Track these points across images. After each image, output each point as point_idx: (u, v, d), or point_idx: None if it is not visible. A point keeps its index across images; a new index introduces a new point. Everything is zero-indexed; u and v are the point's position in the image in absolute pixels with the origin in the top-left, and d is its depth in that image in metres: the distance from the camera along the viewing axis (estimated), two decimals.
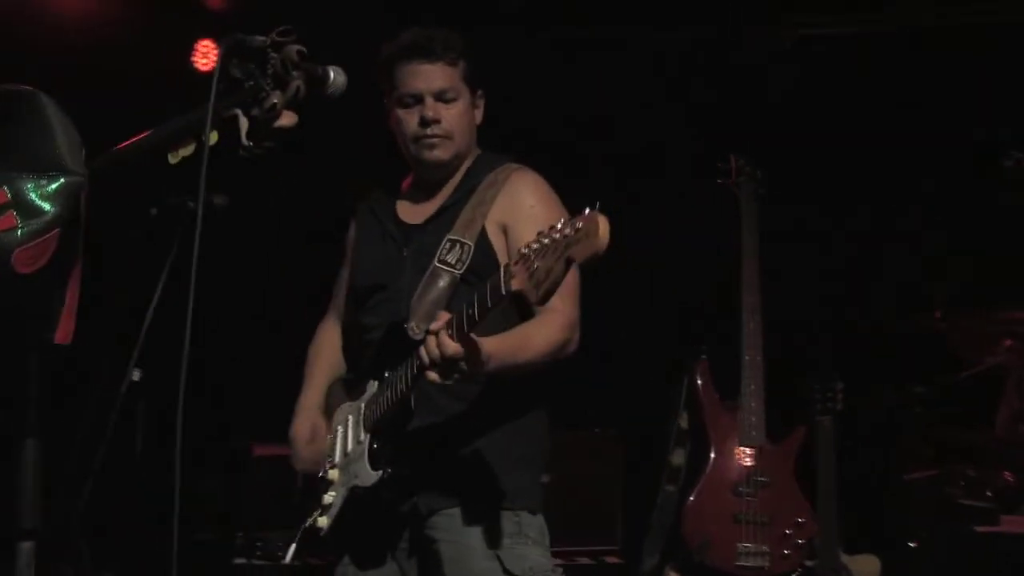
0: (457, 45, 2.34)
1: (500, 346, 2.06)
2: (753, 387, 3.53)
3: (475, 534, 2.21)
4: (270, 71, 1.84)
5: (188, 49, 4.45)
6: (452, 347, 1.93)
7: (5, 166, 1.39)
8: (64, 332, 1.46)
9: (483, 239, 2.26)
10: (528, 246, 1.77)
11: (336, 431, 2.32)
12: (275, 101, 1.82)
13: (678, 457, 3.61)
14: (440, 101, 2.33)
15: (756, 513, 3.46)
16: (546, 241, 1.73)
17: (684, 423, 3.61)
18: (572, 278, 2.10)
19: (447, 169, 2.39)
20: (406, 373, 2.08)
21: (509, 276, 1.79)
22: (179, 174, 1.79)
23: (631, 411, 4.73)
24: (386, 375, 2.18)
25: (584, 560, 4.74)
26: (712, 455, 3.51)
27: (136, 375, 3.38)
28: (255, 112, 1.82)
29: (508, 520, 2.24)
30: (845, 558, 3.73)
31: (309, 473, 2.35)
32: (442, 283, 2.20)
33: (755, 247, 3.65)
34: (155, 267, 3.05)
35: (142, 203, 3.24)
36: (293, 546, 2.27)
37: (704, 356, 3.61)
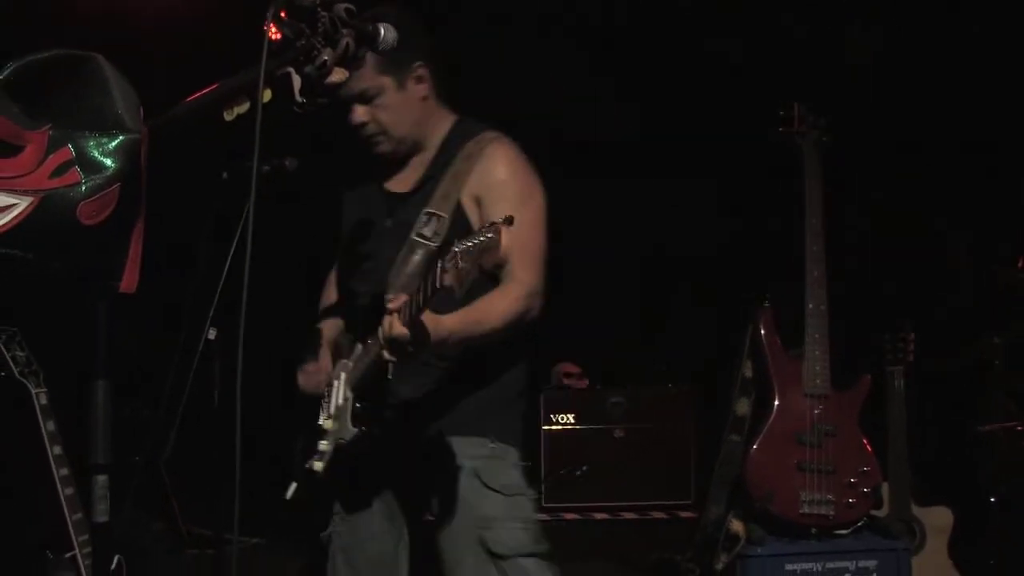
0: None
1: (461, 321, 2.20)
2: (817, 336, 3.51)
3: (452, 459, 2.39)
4: (320, 29, 1.89)
5: (261, 17, 4.55)
6: (399, 330, 2.05)
7: (69, 125, 1.47)
8: (129, 281, 1.55)
9: (459, 212, 2.35)
10: (461, 243, 1.88)
11: (332, 383, 2.44)
12: (326, 58, 1.88)
13: (742, 406, 3.61)
14: (362, 102, 2.40)
15: (820, 462, 3.46)
16: (470, 244, 1.86)
17: (748, 372, 3.61)
18: (533, 245, 2.34)
19: (407, 150, 2.47)
20: (377, 343, 2.18)
21: (443, 272, 1.90)
22: (250, 139, 1.87)
23: (700, 365, 4.75)
24: (369, 341, 2.29)
25: (658, 515, 4.80)
26: (776, 404, 3.50)
27: (212, 334, 3.52)
28: (307, 69, 1.89)
29: (483, 445, 2.41)
30: (917, 510, 3.72)
31: (306, 390, 2.51)
32: (417, 256, 2.29)
33: (819, 196, 3.61)
34: (229, 228, 3.17)
35: (214, 167, 3.36)
36: (293, 485, 2.41)
37: (768, 304, 3.60)
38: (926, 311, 4.22)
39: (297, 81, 1.86)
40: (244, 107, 1.78)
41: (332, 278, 2.75)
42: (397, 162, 2.52)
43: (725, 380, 3.75)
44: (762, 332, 3.56)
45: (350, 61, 1.93)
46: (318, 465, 2.36)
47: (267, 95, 1.79)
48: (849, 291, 3.86)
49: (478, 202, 2.37)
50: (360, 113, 2.41)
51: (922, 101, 4.29)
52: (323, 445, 2.36)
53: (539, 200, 2.43)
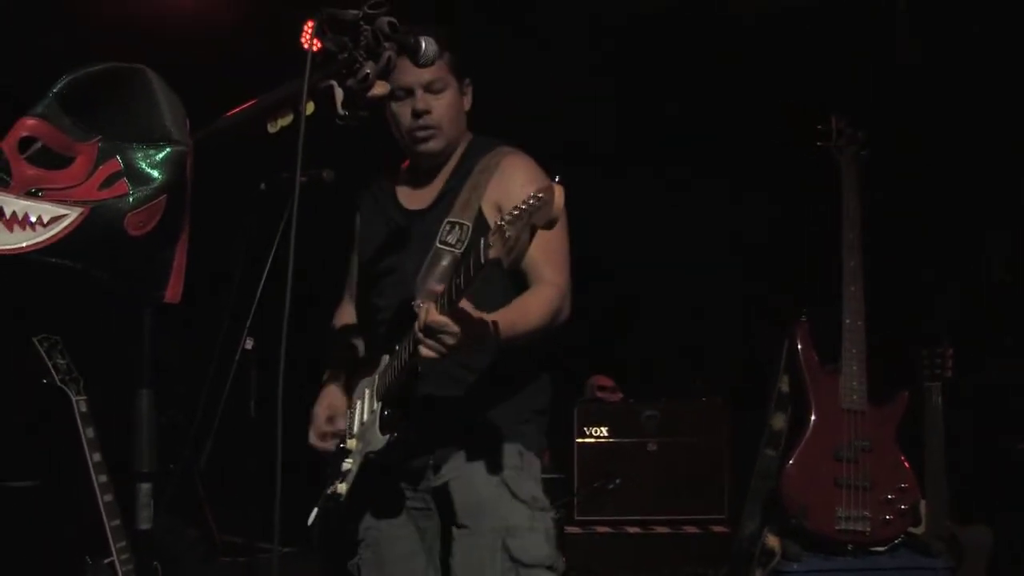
0: (442, 38, 2.37)
1: (501, 319, 2.17)
2: (855, 351, 3.48)
3: (480, 466, 2.38)
4: (363, 43, 1.91)
5: (298, 30, 4.60)
6: (438, 319, 2.02)
7: (118, 137, 1.49)
8: (173, 291, 1.57)
9: (480, 219, 2.37)
10: (502, 218, 1.88)
11: (355, 405, 2.46)
12: (368, 71, 1.90)
13: (779, 421, 3.59)
14: (429, 92, 2.44)
15: (857, 478, 3.42)
16: (516, 212, 1.85)
17: (785, 387, 3.59)
18: (561, 249, 2.38)
19: (441, 157, 2.51)
20: (409, 343, 2.18)
21: (487, 246, 1.89)
22: (290, 151, 1.89)
23: (736, 379, 4.73)
24: (396, 348, 2.31)
25: (692, 529, 4.77)
26: (813, 419, 3.48)
27: (249, 343, 3.56)
28: (349, 83, 1.90)
29: (511, 453, 2.40)
30: (955, 528, 3.67)
31: (320, 451, 2.52)
32: (444, 262, 2.31)
33: (857, 210, 3.59)
34: (267, 239, 3.20)
35: (253, 178, 3.40)
36: (315, 510, 2.41)
37: (805, 319, 3.58)
38: (966, 325, 4.17)
39: (340, 94, 1.88)
40: (288, 119, 1.80)
41: (346, 301, 2.77)
42: (410, 180, 2.58)
43: (760, 394, 3.73)
44: (799, 346, 3.54)
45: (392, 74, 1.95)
46: (341, 487, 2.37)
47: (310, 108, 1.81)
48: (888, 305, 3.82)
49: (499, 209, 2.38)
50: (424, 100, 2.44)
51: (963, 108, 4.25)
52: (347, 465, 2.38)
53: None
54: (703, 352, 5.00)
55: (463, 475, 2.40)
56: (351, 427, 2.44)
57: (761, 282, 4.61)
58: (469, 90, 2.54)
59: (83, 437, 3.21)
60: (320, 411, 2.55)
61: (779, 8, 4.42)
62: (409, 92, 2.44)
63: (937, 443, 3.68)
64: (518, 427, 2.44)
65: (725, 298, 4.87)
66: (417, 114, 2.44)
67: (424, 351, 2.07)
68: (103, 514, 3.14)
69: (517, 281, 2.38)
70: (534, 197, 1.83)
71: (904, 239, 4.38)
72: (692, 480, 4.84)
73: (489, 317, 2.13)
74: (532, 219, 1.82)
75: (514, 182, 2.41)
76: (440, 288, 2.07)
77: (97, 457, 3.19)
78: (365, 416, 2.41)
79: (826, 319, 3.59)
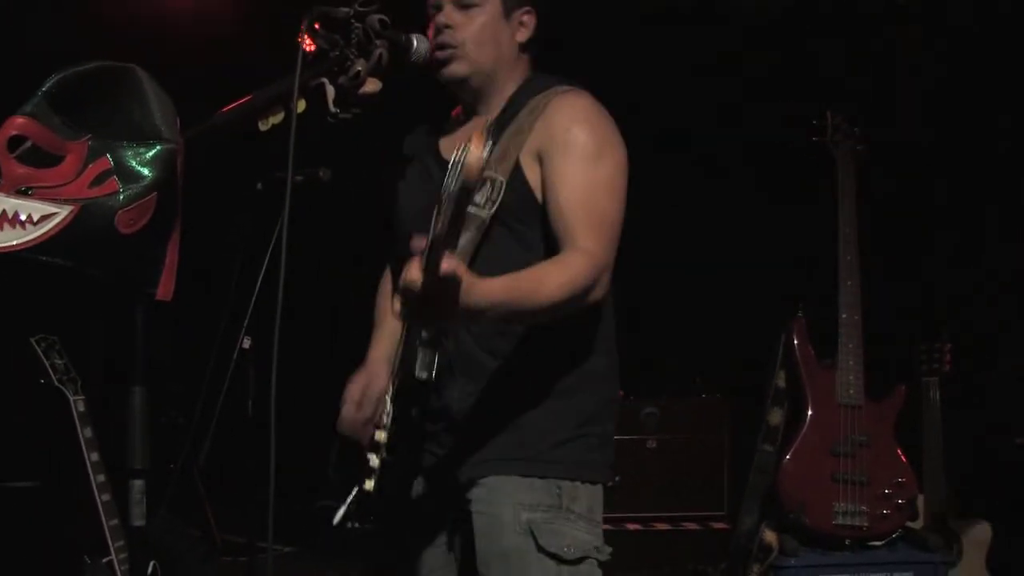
0: None
1: (506, 288, 1.76)
2: (851, 346, 3.48)
3: (507, 506, 1.97)
4: (354, 40, 1.92)
5: (290, 20, 4.61)
6: (412, 275, 1.58)
7: (108, 136, 1.50)
8: (165, 289, 1.58)
9: (517, 173, 1.97)
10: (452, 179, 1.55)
11: (390, 389, 2.05)
12: (359, 69, 1.91)
13: (775, 416, 3.59)
14: (456, 7, 2.10)
15: (854, 472, 3.42)
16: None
17: (781, 382, 3.59)
18: (607, 207, 1.95)
19: (476, 91, 2.14)
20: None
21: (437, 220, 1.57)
22: (285, 149, 1.89)
23: (734, 375, 4.73)
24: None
25: (691, 525, 4.78)
26: (809, 414, 3.48)
27: (247, 343, 3.56)
28: (341, 80, 1.91)
29: (545, 491, 1.98)
30: (954, 522, 3.68)
31: (348, 437, 2.12)
32: (471, 226, 1.92)
33: (853, 205, 3.60)
34: (263, 239, 3.21)
35: (249, 177, 3.41)
36: (342, 508, 2.06)
37: (801, 314, 3.58)
38: (965, 319, 4.17)
39: (331, 91, 1.89)
40: (279, 117, 1.81)
41: (388, 273, 2.35)
42: (455, 126, 2.21)
43: (758, 390, 3.73)
44: (795, 342, 3.54)
45: (383, 71, 1.96)
46: (369, 484, 2.00)
47: (301, 105, 1.81)
48: (884, 299, 3.83)
49: (539, 159, 2.00)
50: (450, 15, 2.09)
51: (959, 104, 4.25)
52: (374, 460, 2.01)
53: (616, 158, 2.02)
54: (701, 349, 5.00)
55: (486, 511, 1.99)
56: (382, 416, 2.04)
57: (758, 278, 4.61)
58: (528, 19, 2.14)
59: (81, 437, 3.21)
60: (351, 392, 2.13)
61: (779, 7, 4.43)
62: (438, 7, 2.11)
63: (935, 438, 3.69)
64: (554, 450, 2.00)
65: (722, 294, 4.87)
66: (438, 29, 2.09)
67: (399, 310, 1.64)
68: (101, 513, 3.15)
69: (552, 246, 1.96)
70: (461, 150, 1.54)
71: (901, 233, 4.39)
72: (691, 477, 4.85)
73: (491, 283, 1.72)
74: (464, 180, 1.48)
75: (557, 125, 1.99)
76: (422, 242, 1.65)
77: (95, 456, 3.20)
78: (391, 407, 2.03)
79: (823, 314, 3.60)
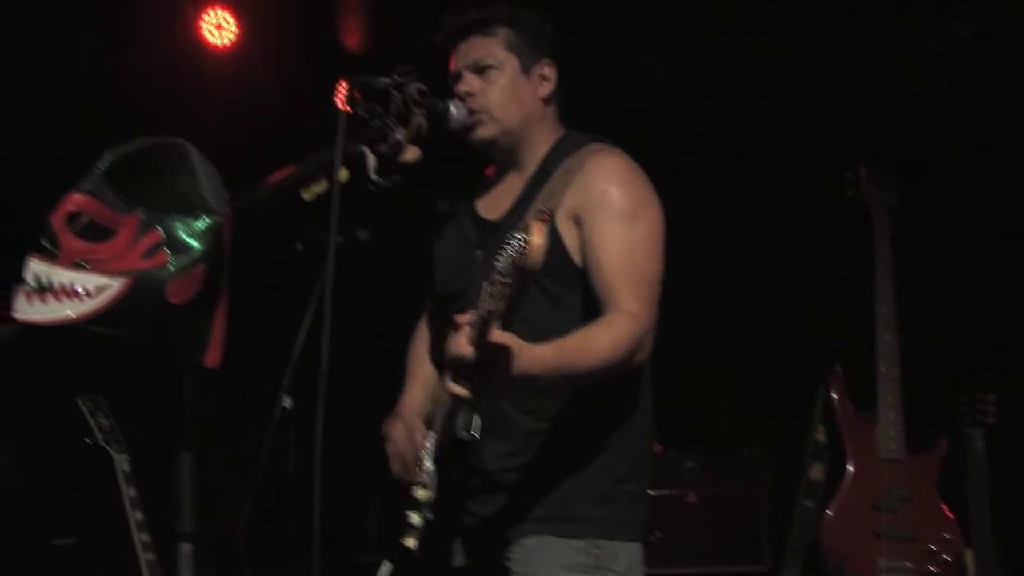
0: (496, 14, 2.16)
1: (556, 354, 1.79)
2: (890, 399, 3.46)
3: (546, 567, 1.97)
4: (393, 109, 1.98)
5: (331, 90, 4.72)
6: (462, 349, 1.64)
7: (158, 209, 1.56)
8: (213, 356, 1.62)
9: (553, 235, 1.95)
10: (497, 259, 1.58)
11: (427, 445, 2.05)
12: (399, 137, 1.96)
13: (816, 471, 3.57)
14: (476, 73, 2.14)
15: (897, 528, 3.39)
16: (502, 256, 1.56)
17: (821, 436, 3.57)
18: (647, 268, 1.98)
19: (506, 150, 2.17)
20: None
21: (489, 297, 1.59)
22: (325, 210, 1.94)
23: (775, 429, 4.70)
24: None
25: None
26: (850, 469, 3.45)
27: (287, 402, 3.60)
28: (381, 148, 1.96)
29: (584, 551, 1.98)
30: None
31: (399, 481, 2.13)
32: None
33: (888, 257, 3.59)
34: (303, 299, 3.26)
35: (290, 239, 3.47)
36: (387, 565, 2.03)
37: (838, 368, 3.57)
38: (1010, 371, 4.12)
39: (372, 160, 1.94)
40: (322, 187, 1.86)
41: (422, 326, 2.38)
42: (490, 185, 2.24)
43: (797, 443, 3.71)
44: (833, 396, 3.53)
45: (423, 139, 2.01)
46: (410, 542, 1.97)
47: (344, 174, 1.86)
48: (925, 351, 3.80)
49: (577, 220, 2.02)
50: (469, 82, 2.13)
51: (992, 148, 4.24)
52: (414, 518, 1.98)
53: (653, 218, 2.05)
54: (739, 402, 4.98)
55: (527, 571, 1.99)
56: (422, 474, 2.00)
57: (794, 332, 4.59)
58: (548, 71, 2.17)
59: (125, 496, 3.26)
60: (396, 433, 2.13)
61: (803, 56, 4.46)
62: (459, 76, 2.15)
63: (981, 491, 3.62)
64: (592, 509, 2.00)
65: (759, 348, 4.86)
66: (461, 98, 2.12)
67: (451, 387, 1.70)
68: (145, 573, 3.18)
69: (590, 303, 1.98)
70: (513, 236, 1.53)
71: (938, 284, 4.37)
72: (732, 531, 4.80)
73: (541, 350, 1.74)
74: (520, 266, 1.50)
75: (593, 186, 2.02)
76: (471, 315, 1.68)
77: (139, 516, 3.24)
78: (430, 463, 2.01)
79: (862, 367, 3.58)
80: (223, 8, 4.30)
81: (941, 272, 4.32)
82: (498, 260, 1.56)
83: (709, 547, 4.77)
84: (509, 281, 1.52)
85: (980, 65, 4.22)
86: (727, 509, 4.79)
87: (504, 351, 1.64)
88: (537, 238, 1.47)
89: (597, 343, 1.86)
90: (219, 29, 4.29)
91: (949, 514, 3.48)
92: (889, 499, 3.41)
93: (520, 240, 1.50)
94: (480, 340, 1.61)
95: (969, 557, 3.56)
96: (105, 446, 3.31)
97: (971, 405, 3.69)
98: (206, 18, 4.27)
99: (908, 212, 3.76)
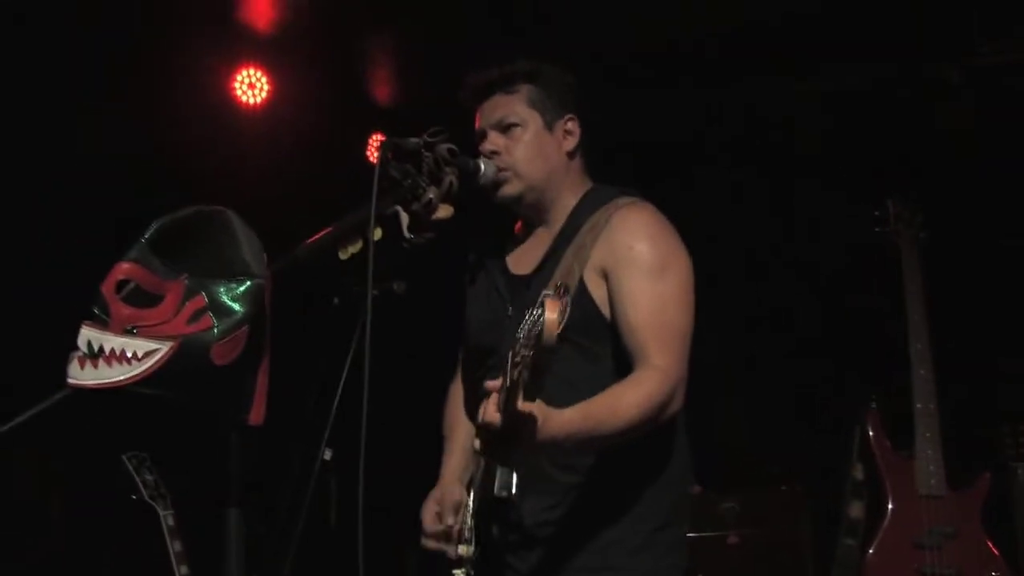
0: (517, 71, 2.19)
1: (583, 416, 1.80)
2: (928, 435, 3.45)
3: None
4: (425, 169, 2.04)
5: (363, 144, 4.80)
6: (490, 417, 1.67)
7: (202, 274, 1.61)
8: (257, 414, 1.67)
9: (582, 290, 2.01)
10: (520, 331, 1.58)
11: (469, 504, 2.09)
12: (431, 196, 2.02)
13: (856, 510, 3.54)
14: (499, 132, 2.17)
15: (942, 566, 3.35)
16: (525, 329, 1.56)
17: (859, 474, 3.55)
18: (677, 322, 1.98)
19: (532, 206, 2.20)
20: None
21: (512, 367, 1.59)
22: (360, 265, 1.98)
23: (813, 467, 4.68)
24: None
25: None
26: (890, 507, 3.44)
27: (328, 454, 3.64)
28: (414, 207, 2.02)
29: None
30: None
31: (434, 550, 2.16)
32: None
33: (920, 292, 3.60)
34: (341, 352, 3.31)
35: (327, 293, 3.53)
36: None
37: (874, 405, 3.56)
38: None
39: (405, 218, 2.00)
40: (357, 246, 1.91)
41: (457, 381, 2.42)
42: (520, 241, 2.27)
43: (837, 481, 3.69)
44: (871, 434, 3.52)
45: (454, 197, 2.06)
46: None
47: (378, 233, 1.92)
48: (961, 383, 3.79)
49: (605, 275, 2.04)
50: (494, 141, 2.17)
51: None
52: (459, 575, 2.01)
53: (681, 270, 2.06)
54: (775, 441, 4.97)
55: None
56: (464, 531, 2.04)
57: (829, 369, 4.58)
58: (572, 126, 2.20)
59: (171, 551, 3.31)
60: (427, 511, 2.18)
61: (829, 90, 4.50)
62: (483, 136, 2.19)
63: None
64: (631, 558, 2.00)
65: (793, 386, 4.85)
66: (487, 157, 2.16)
67: (480, 447, 1.74)
68: None
69: (622, 355, 1.99)
70: (533, 311, 1.52)
71: (971, 316, 4.35)
72: (774, 572, 4.76)
73: (567, 414, 1.76)
74: (540, 340, 1.48)
75: (620, 242, 2.03)
76: (499, 381, 1.70)
77: (184, 570, 3.28)
78: (471, 520, 2.05)
79: (899, 403, 3.57)
80: (256, 67, 4.40)
81: (974, 303, 4.31)
82: (519, 332, 1.58)
83: None
84: (529, 353, 1.53)
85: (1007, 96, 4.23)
86: (768, 549, 4.75)
87: (530, 419, 1.67)
88: (551, 314, 1.48)
89: (624, 404, 1.88)
90: (251, 88, 4.39)
91: (995, 550, 3.44)
92: (933, 537, 3.39)
93: (538, 315, 1.50)
94: (507, 408, 1.63)
95: None
96: (150, 501, 3.37)
97: (1013, 436, 3.66)
98: (239, 77, 4.37)
99: (938, 246, 3.76)
